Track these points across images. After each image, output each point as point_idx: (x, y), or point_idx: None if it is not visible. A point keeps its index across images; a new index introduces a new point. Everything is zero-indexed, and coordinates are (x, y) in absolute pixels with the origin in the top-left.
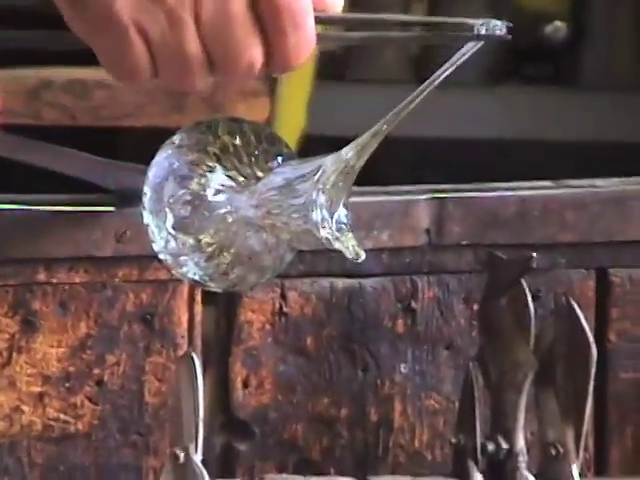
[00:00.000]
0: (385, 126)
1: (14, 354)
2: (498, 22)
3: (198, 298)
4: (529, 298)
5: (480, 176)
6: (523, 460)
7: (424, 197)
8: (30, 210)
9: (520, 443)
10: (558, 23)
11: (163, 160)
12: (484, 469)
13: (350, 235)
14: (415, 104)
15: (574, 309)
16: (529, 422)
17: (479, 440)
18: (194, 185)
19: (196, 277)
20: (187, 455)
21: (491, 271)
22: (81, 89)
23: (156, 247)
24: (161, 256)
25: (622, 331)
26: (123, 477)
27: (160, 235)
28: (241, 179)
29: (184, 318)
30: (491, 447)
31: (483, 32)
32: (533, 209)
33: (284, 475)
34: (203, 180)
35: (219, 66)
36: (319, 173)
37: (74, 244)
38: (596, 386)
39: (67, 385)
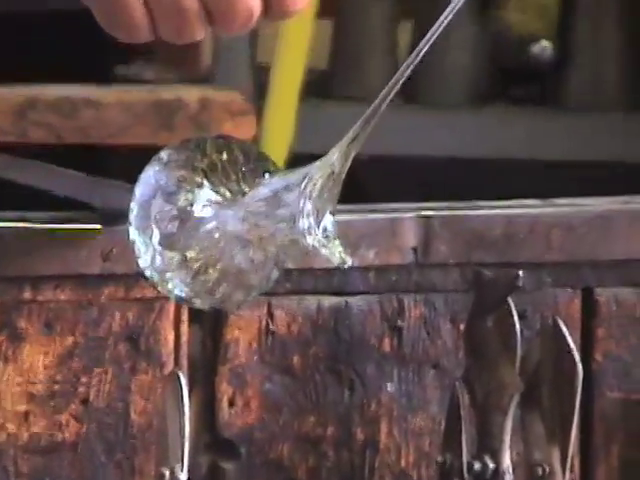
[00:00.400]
0: (376, 109)
1: None
2: None
3: (184, 317)
4: (515, 318)
5: (467, 195)
6: (510, 479)
7: (411, 216)
8: (16, 228)
9: (506, 462)
10: (545, 43)
11: (150, 176)
12: None
13: (337, 242)
14: (411, 69)
15: (560, 329)
16: (515, 443)
17: (465, 459)
18: (181, 201)
19: (182, 294)
20: (173, 475)
21: (477, 290)
22: (68, 108)
23: (142, 263)
24: (147, 273)
25: (608, 351)
26: None
27: (146, 251)
28: (228, 195)
29: (170, 337)
30: (477, 466)
31: None
32: (520, 228)
33: None
34: (190, 196)
35: (217, 16)
36: (305, 181)
37: (60, 262)
38: (582, 406)
39: (52, 404)
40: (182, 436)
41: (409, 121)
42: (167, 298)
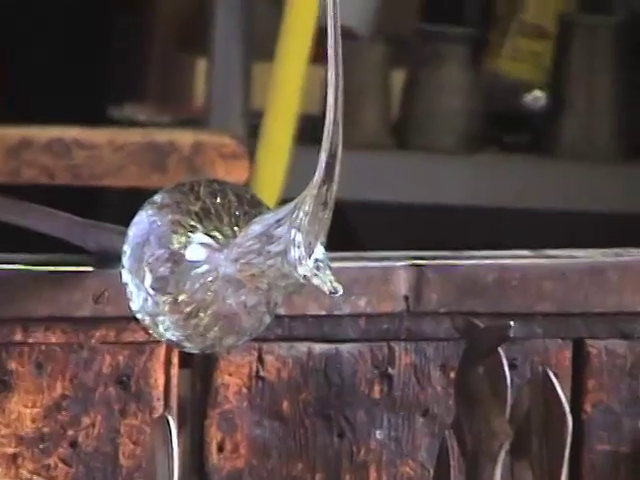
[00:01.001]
0: (333, 127)
1: None
2: None
3: (175, 360)
4: (506, 367)
5: (459, 243)
6: None
7: (403, 264)
8: (8, 269)
9: None
10: (538, 92)
11: (144, 219)
12: None
13: (328, 272)
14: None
15: (550, 379)
16: None
17: None
18: (174, 244)
19: (173, 337)
20: None
21: (468, 339)
22: (61, 148)
23: (134, 306)
24: (139, 315)
25: (598, 402)
26: None
27: (138, 294)
28: (221, 239)
29: (160, 380)
30: None
31: None
32: (511, 278)
33: None
34: (183, 239)
35: None
36: (295, 212)
37: (51, 304)
38: (571, 457)
39: (41, 446)
40: (171, 479)
41: (402, 167)
42: (158, 341)
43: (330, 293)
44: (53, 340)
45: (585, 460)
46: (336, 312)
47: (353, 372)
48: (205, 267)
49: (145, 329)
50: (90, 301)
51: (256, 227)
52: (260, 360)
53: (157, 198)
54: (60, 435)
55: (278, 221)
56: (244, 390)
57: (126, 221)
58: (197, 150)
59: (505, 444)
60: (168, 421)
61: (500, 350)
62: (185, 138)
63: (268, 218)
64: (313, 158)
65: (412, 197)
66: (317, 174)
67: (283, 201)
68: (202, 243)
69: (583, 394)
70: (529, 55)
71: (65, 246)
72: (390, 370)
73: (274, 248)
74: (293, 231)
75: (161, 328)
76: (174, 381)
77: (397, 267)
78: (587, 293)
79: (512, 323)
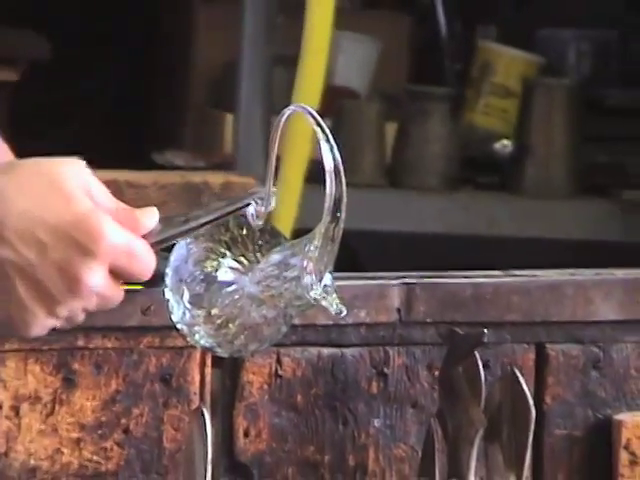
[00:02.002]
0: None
1: (57, 406)
2: (259, 201)
3: (208, 362)
4: (481, 367)
5: (442, 264)
6: None
7: (396, 282)
8: None
9: None
10: (505, 141)
11: (183, 247)
12: None
13: (334, 295)
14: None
15: (517, 377)
16: (479, 469)
17: None
18: (208, 267)
19: (207, 344)
20: None
21: (450, 344)
22: (115, 188)
23: (174, 318)
24: (178, 326)
25: (556, 395)
26: None
27: (178, 308)
28: (246, 264)
29: (197, 378)
30: None
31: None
32: (485, 293)
33: None
34: (215, 263)
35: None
36: (307, 245)
37: (107, 315)
38: (534, 439)
39: (99, 432)
40: (205, 460)
41: (394, 202)
42: (194, 346)
43: (336, 314)
44: (109, 345)
45: (546, 442)
46: (341, 322)
47: (355, 371)
48: (233, 287)
49: (183, 337)
50: (139, 313)
51: (275, 256)
52: (278, 361)
53: None
54: (115, 423)
55: (293, 252)
56: (265, 386)
57: (168, 248)
58: (226, 188)
59: (480, 431)
60: (203, 412)
61: (476, 353)
62: (216, 179)
63: (285, 249)
64: (320, 195)
65: (403, 227)
66: (325, 216)
67: (296, 230)
68: (231, 267)
69: (544, 389)
70: (498, 111)
71: None
72: (385, 370)
73: (290, 274)
74: (306, 261)
75: (197, 336)
76: (208, 379)
77: (391, 285)
78: (547, 306)
79: (486, 331)
